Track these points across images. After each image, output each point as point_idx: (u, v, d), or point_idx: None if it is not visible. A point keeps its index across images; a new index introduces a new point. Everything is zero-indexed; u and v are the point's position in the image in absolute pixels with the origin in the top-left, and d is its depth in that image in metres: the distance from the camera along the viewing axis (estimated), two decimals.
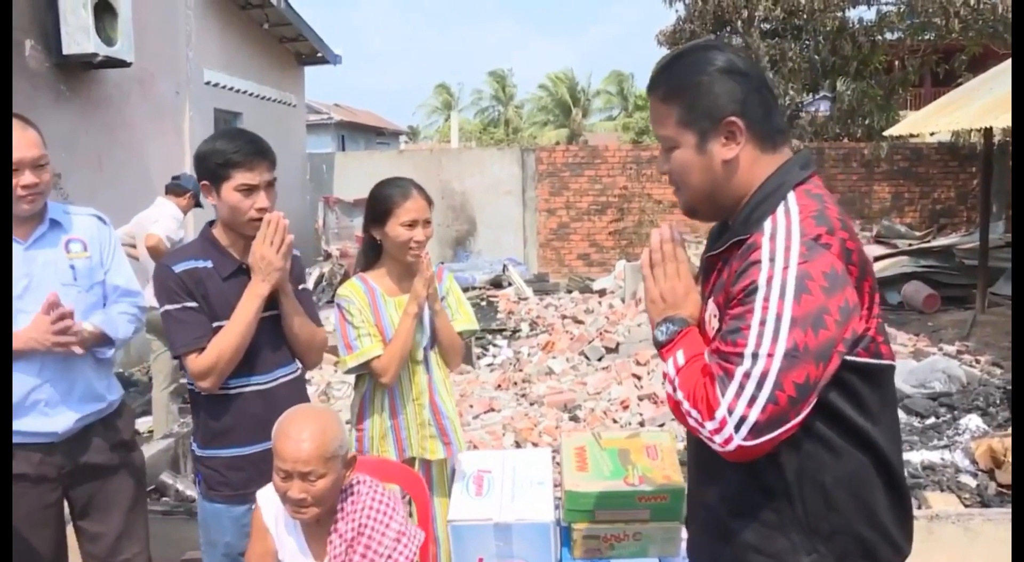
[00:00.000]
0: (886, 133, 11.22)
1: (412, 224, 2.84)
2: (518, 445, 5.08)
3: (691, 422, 1.52)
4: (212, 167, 2.48)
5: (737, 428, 1.44)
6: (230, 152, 2.46)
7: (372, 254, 2.97)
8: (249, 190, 2.47)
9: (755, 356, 1.43)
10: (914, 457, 5.07)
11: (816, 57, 14.97)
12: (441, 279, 3.02)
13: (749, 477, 1.60)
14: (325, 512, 2.16)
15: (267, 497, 2.27)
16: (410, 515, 2.85)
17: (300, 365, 2.74)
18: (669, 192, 14.18)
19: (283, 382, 2.63)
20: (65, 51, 7.20)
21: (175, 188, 6.23)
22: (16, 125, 2.48)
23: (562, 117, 41.90)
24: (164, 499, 4.44)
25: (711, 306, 1.65)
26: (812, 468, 1.57)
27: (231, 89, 10.99)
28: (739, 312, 1.48)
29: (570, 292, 11.85)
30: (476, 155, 15.98)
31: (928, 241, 11.70)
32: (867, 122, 15.26)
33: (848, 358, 1.50)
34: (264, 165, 2.49)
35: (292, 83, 13.52)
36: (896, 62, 15.45)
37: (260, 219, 2.49)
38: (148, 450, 4.41)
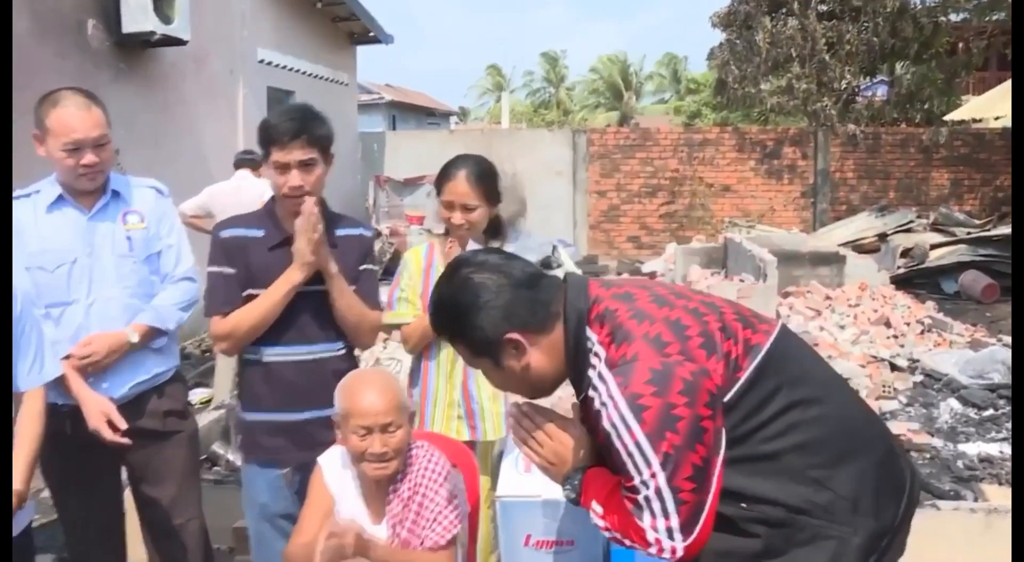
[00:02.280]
0: (947, 118, 10.94)
1: (450, 206, 2.84)
2: None
3: (642, 553, 1.63)
4: (260, 140, 2.53)
5: (671, 537, 1.56)
6: (270, 128, 2.49)
7: None
8: (282, 168, 2.49)
9: (644, 483, 1.56)
10: (971, 449, 4.96)
11: (875, 39, 14.60)
12: None
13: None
14: (394, 471, 2.23)
15: (330, 460, 2.33)
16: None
17: (348, 344, 2.74)
18: (722, 176, 14.19)
19: (326, 357, 2.64)
20: (125, 30, 7.32)
21: (251, 162, 6.43)
22: (81, 103, 2.52)
23: (613, 100, 41.56)
24: (215, 468, 4.52)
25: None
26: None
27: (284, 68, 11.06)
28: (614, 454, 1.59)
29: (620, 274, 11.78)
30: (527, 136, 15.93)
31: (988, 229, 11.39)
32: (926, 106, 14.91)
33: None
34: (297, 144, 2.46)
35: (344, 62, 13.57)
36: (960, 44, 15.01)
37: (292, 197, 2.50)
38: (200, 420, 4.49)
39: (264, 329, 2.56)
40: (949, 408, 5.84)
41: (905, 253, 11.32)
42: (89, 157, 2.52)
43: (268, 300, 2.53)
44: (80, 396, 2.54)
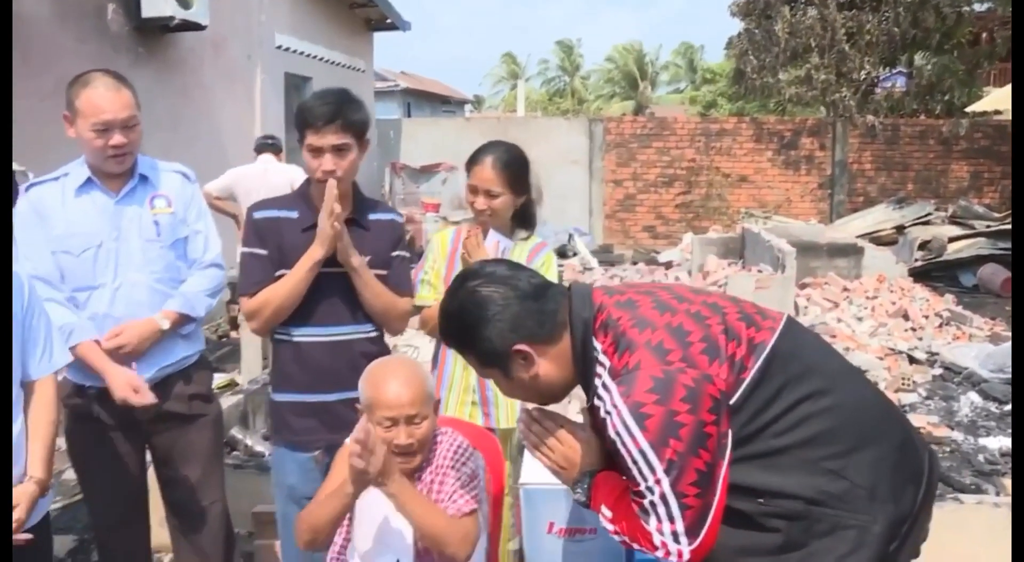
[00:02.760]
0: (968, 109, 10.83)
1: (474, 190, 2.83)
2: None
3: (650, 555, 1.66)
4: (296, 123, 2.53)
5: (676, 540, 1.59)
6: (306, 111, 2.50)
7: None
8: (316, 151, 2.49)
9: (649, 489, 1.59)
10: (992, 443, 4.93)
11: (896, 30, 14.46)
12: (537, 253, 2.96)
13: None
14: (418, 464, 2.20)
15: None
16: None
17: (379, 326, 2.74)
18: (738, 166, 14.08)
19: (356, 338, 2.64)
20: (144, 14, 7.33)
21: (272, 147, 6.60)
22: (110, 85, 2.53)
23: (628, 89, 41.38)
24: (235, 453, 4.53)
25: None
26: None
27: (301, 53, 11.05)
28: (621, 459, 1.62)
29: (635, 263, 11.75)
30: (543, 124, 15.87)
31: (1007, 222, 11.30)
32: (947, 98, 14.76)
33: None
34: (332, 129, 2.46)
35: (361, 49, 13.55)
36: (983, 34, 14.84)
37: (325, 181, 2.50)
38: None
39: (292, 308, 2.56)
40: (969, 402, 5.80)
41: (923, 246, 11.24)
42: (117, 138, 2.52)
43: (293, 278, 2.53)
44: (104, 371, 2.56)
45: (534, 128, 14.78)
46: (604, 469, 1.79)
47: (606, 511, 1.73)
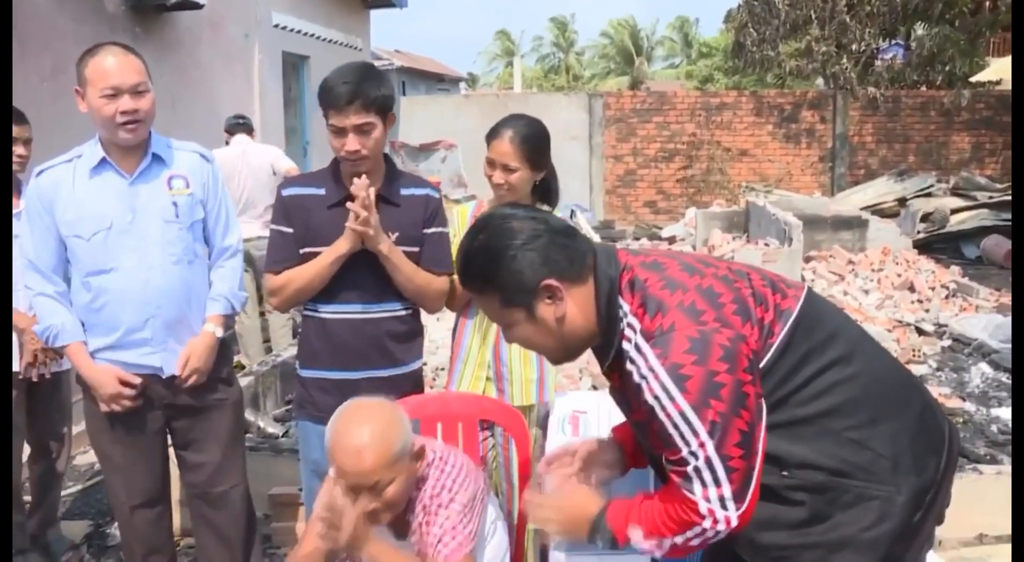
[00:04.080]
0: (972, 80, 10.76)
1: (491, 164, 2.80)
2: (595, 388, 5.05)
3: (696, 540, 1.59)
4: (319, 101, 2.48)
5: (724, 506, 1.54)
6: (326, 91, 2.45)
7: None
8: (339, 131, 2.45)
9: (692, 454, 1.53)
10: (1004, 413, 4.92)
11: (897, 0, 14.34)
12: None
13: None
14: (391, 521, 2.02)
15: None
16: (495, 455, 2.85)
17: (412, 305, 2.71)
18: (739, 140, 14.00)
19: (383, 317, 2.61)
20: None
21: (244, 126, 6.59)
22: (118, 51, 2.49)
23: (624, 65, 41.15)
24: (248, 436, 4.51)
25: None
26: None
27: (299, 32, 10.93)
28: (659, 426, 1.56)
29: (637, 239, 11.72)
30: (543, 100, 15.74)
31: (1010, 194, 11.26)
32: (947, 69, 14.65)
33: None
34: (352, 108, 2.41)
35: (358, 27, 13.41)
36: (986, 2, 14.72)
37: (349, 160, 2.47)
38: None
39: (313, 292, 2.57)
40: (980, 372, 5.79)
41: (925, 218, 11.21)
42: (127, 103, 2.46)
43: (316, 266, 2.53)
44: (87, 372, 2.59)
45: (533, 104, 14.63)
46: (608, 505, 1.73)
47: (636, 531, 1.65)
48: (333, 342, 2.59)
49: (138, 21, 7.56)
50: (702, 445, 1.51)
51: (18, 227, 3.06)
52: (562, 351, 1.75)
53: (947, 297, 7.83)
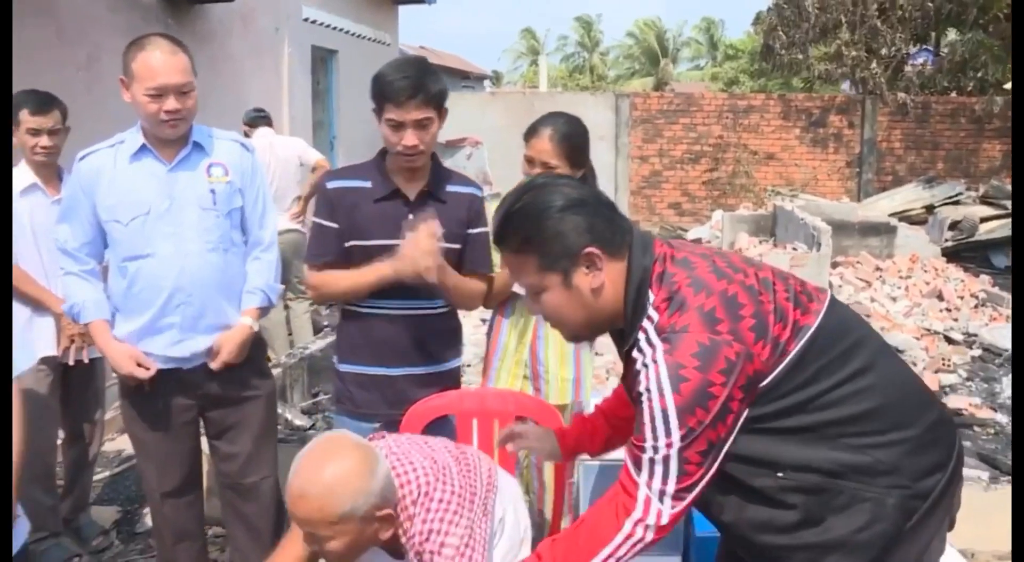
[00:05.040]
0: (1005, 87, 10.63)
1: (531, 162, 2.79)
2: None
3: (623, 548, 1.58)
4: (373, 94, 2.45)
5: (661, 499, 1.55)
6: (384, 84, 2.41)
7: None
8: (397, 126, 2.42)
9: (654, 448, 1.54)
10: None
11: (930, 4, 14.18)
12: None
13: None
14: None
15: None
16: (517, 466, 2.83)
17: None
18: (766, 143, 13.87)
19: (424, 314, 2.60)
20: None
21: (265, 119, 6.67)
22: (166, 48, 2.48)
23: (649, 65, 41.00)
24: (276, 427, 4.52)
25: None
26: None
27: (328, 26, 10.96)
28: (639, 411, 1.57)
29: None
30: (569, 99, 15.68)
31: None
32: (979, 75, 14.48)
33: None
34: (413, 103, 2.38)
35: (387, 22, 13.44)
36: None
37: (406, 155, 2.44)
38: None
39: (347, 300, 2.60)
40: (1011, 383, 5.73)
41: (953, 226, 11.09)
42: (172, 103, 2.47)
43: (356, 279, 2.51)
44: (106, 349, 2.63)
45: (559, 103, 14.53)
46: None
47: None
48: (373, 338, 2.58)
49: (171, 13, 7.60)
50: (669, 445, 1.53)
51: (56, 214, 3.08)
52: (586, 326, 1.71)
53: (976, 306, 7.75)
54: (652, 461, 1.54)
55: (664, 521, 1.57)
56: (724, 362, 1.52)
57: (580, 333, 1.76)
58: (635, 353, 1.60)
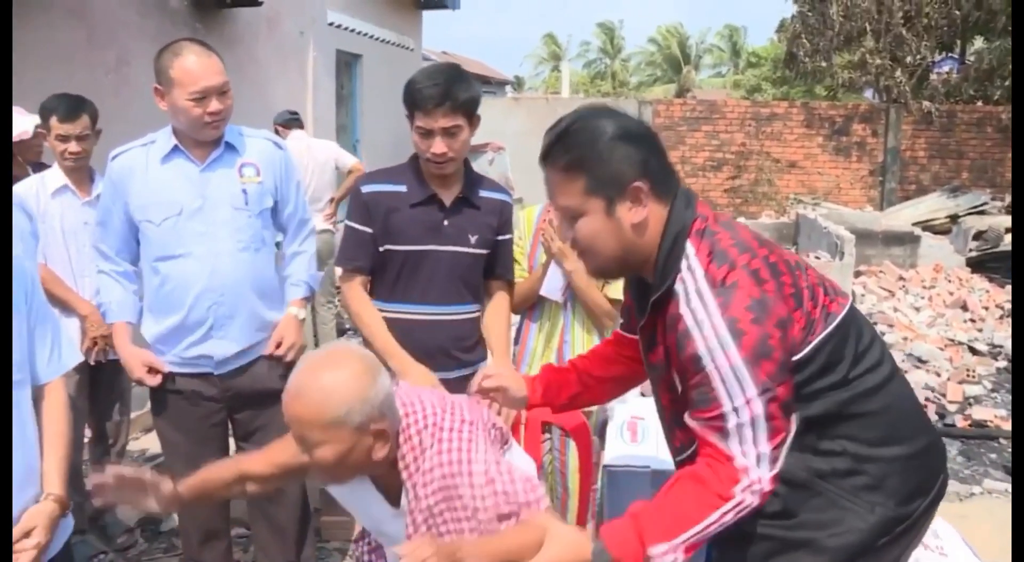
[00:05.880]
0: None
1: None
2: (643, 395, 5.01)
3: (730, 514, 1.52)
4: (405, 101, 2.46)
5: (759, 464, 1.51)
6: (414, 91, 2.42)
7: None
8: (425, 133, 2.43)
9: (736, 409, 1.49)
10: None
11: (957, 12, 14.08)
12: None
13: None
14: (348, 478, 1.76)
15: None
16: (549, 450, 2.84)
17: (480, 306, 2.72)
18: (788, 151, 13.80)
19: (451, 319, 2.61)
20: None
21: (297, 121, 6.70)
22: (201, 52, 2.51)
23: (671, 72, 40.94)
24: None
25: (674, 373, 1.65)
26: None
27: (353, 31, 11.03)
28: (699, 380, 1.53)
29: None
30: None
31: None
32: (1007, 84, 14.35)
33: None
34: (441, 111, 2.38)
35: (410, 27, 13.50)
36: None
37: (435, 162, 2.46)
38: None
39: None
40: None
41: (977, 236, 10.99)
42: (215, 105, 2.50)
43: (376, 332, 2.54)
44: (121, 351, 2.68)
45: None
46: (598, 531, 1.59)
47: (657, 546, 1.51)
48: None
49: (199, 17, 7.68)
50: (748, 402, 1.48)
51: (90, 214, 3.12)
52: (616, 260, 1.66)
53: (1001, 317, 7.67)
54: (740, 426, 1.50)
55: (767, 486, 1.52)
56: (776, 317, 1.51)
57: (607, 267, 1.71)
58: (681, 308, 1.55)
